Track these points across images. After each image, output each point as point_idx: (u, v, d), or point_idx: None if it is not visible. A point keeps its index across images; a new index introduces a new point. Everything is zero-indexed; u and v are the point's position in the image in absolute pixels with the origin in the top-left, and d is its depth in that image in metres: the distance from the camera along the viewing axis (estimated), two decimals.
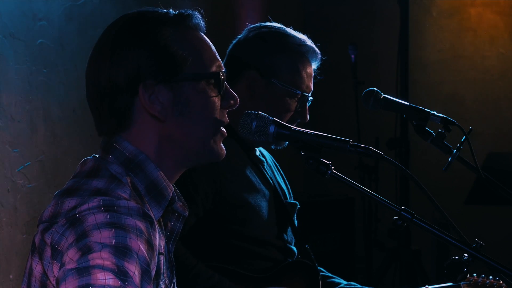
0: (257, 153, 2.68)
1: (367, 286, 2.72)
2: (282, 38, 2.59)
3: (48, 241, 1.50)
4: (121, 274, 1.39)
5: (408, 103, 2.42)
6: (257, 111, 1.81)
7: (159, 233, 1.58)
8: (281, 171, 2.81)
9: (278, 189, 2.67)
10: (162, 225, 1.69)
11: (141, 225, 1.49)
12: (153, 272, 1.49)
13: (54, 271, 1.48)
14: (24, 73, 3.29)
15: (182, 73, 1.63)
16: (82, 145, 3.56)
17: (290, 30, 2.63)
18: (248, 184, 2.56)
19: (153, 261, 1.49)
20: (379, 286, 5.12)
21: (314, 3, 6.14)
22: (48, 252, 1.50)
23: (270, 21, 2.67)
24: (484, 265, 1.74)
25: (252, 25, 2.67)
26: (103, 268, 1.38)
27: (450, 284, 2.57)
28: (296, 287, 2.55)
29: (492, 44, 5.77)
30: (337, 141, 1.77)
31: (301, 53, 2.58)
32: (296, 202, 2.72)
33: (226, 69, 1.73)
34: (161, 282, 1.57)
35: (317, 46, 2.63)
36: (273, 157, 2.84)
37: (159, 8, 1.69)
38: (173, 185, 1.67)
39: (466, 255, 1.77)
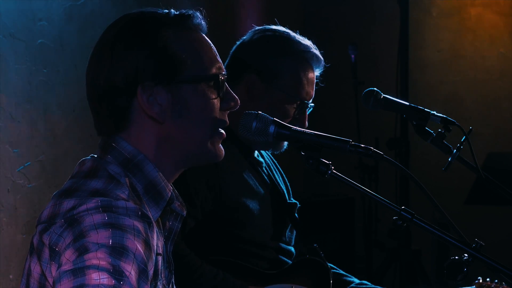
0: (256, 154, 2.67)
1: (377, 286, 2.72)
2: (286, 43, 2.58)
3: (46, 241, 1.50)
4: (117, 273, 1.39)
5: (408, 103, 2.42)
6: (257, 111, 1.80)
7: (157, 233, 1.58)
8: (281, 171, 2.80)
9: (279, 189, 2.67)
10: (161, 225, 1.68)
11: (139, 225, 1.49)
12: (151, 272, 1.49)
13: (52, 272, 1.48)
14: (24, 73, 3.29)
15: (181, 75, 1.62)
16: (82, 145, 3.56)
17: (295, 35, 2.61)
18: (246, 188, 2.56)
19: (151, 261, 1.49)
20: (379, 286, 5.11)
21: (314, 3, 6.14)
22: (46, 253, 1.50)
23: (276, 24, 2.66)
24: (484, 265, 1.74)
25: (257, 27, 2.65)
26: (98, 268, 1.38)
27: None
28: (306, 285, 2.55)
29: (492, 44, 5.76)
30: (337, 141, 1.77)
31: (304, 59, 2.57)
32: (296, 201, 2.72)
33: (228, 70, 1.72)
34: (159, 283, 1.57)
35: (316, 46, 2.63)
36: (273, 157, 2.84)
37: (159, 9, 1.69)
38: (171, 185, 1.67)
39: (466, 255, 1.77)
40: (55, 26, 3.45)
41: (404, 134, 5.06)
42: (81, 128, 3.55)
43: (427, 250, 5.49)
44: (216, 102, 1.67)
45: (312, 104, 2.60)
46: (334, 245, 5.37)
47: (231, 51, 2.64)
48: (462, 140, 2.30)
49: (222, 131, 1.69)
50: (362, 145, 1.76)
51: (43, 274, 1.52)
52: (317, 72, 2.62)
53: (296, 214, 2.71)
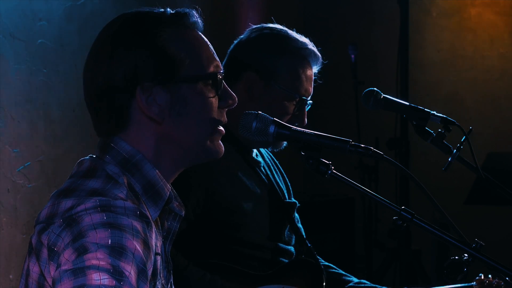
0: (254, 154, 2.67)
1: (375, 285, 2.71)
2: (283, 40, 2.58)
3: (45, 241, 1.50)
4: (117, 274, 1.39)
5: (408, 103, 2.42)
6: (257, 111, 1.80)
7: (155, 233, 1.58)
8: (282, 170, 2.80)
9: (277, 189, 2.66)
10: (159, 225, 1.68)
11: (137, 225, 1.49)
12: (150, 272, 1.49)
13: (51, 272, 1.48)
14: (24, 73, 3.29)
15: (180, 75, 1.62)
16: (82, 145, 3.56)
17: (292, 33, 2.62)
18: (242, 189, 2.55)
19: (150, 261, 1.49)
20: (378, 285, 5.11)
21: (314, 3, 6.14)
22: (44, 253, 1.50)
23: (273, 22, 2.66)
24: (484, 265, 1.74)
25: (254, 26, 2.66)
26: (98, 268, 1.38)
27: (462, 285, 2.54)
28: (298, 285, 2.54)
29: (492, 44, 5.76)
30: (337, 141, 1.77)
31: (302, 56, 2.57)
32: (295, 201, 2.71)
33: (226, 69, 1.72)
34: (157, 282, 1.57)
35: (316, 46, 2.63)
36: (273, 156, 2.83)
37: (156, 8, 1.69)
38: (170, 185, 1.67)
39: (466, 255, 1.77)
40: (55, 26, 3.45)
41: (404, 134, 5.06)
42: (81, 128, 3.55)
43: (427, 250, 5.48)
44: (214, 101, 1.67)
45: (311, 102, 2.60)
46: (334, 245, 5.37)
47: (229, 50, 2.64)
48: (462, 140, 2.30)
49: (221, 127, 1.69)
50: (362, 145, 1.76)
51: (41, 274, 1.52)
52: (315, 69, 2.62)
53: (295, 214, 2.70)
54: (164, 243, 1.69)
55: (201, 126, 1.65)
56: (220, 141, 1.70)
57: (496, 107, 5.77)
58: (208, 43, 1.70)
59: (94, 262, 1.39)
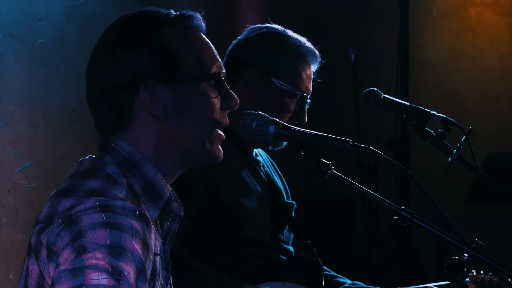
0: (254, 153, 2.68)
1: (369, 286, 2.72)
2: (282, 39, 2.60)
3: (44, 241, 1.50)
4: (116, 273, 1.39)
5: (408, 103, 2.42)
6: (257, 111, 1.81)
7: (155, 233, 1.58)
8: (279, 171, 2.81)
9: (277, 188, 2.67)
10: (159, 225, 1.68)
11: (136, 225, 1.49)
12: (149, 272, 1.49)
13: (50, 272, 1.48)
14: (24, 73, 3.29)
15: (183, 73, 1.63)
16: (82, 145, 3.56)
17: (290, 32, 2.64)
18: (243, 186, 2.56)
19: (149, 261, 1.49)
20: (379, 286, 5.12)
21: (314, 3, 6.14)
22: (44, 253, 1.50)
23: (270, 23, 2.68)
24: (484, 265, 1.74)
25: (252, 26, 2.67)
26: (97, 268, 1.38)
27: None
28: (298, 282, 2.55)
29: (492, 44, 5.76)
30: (337, 141, 1.77)
31: (301, 55, 2.59)
32: (293, 202, 2.72)
33: (225, 69, 1.73)
34: (156, 283, 1.57)
35: (316, 47, 2.63)
36: (272, 157, 2.84)
37: (160, 9, 1.70)
38: (169, 186, 1.67)
39: (466, 255, 1.77)
40: (55, 26, 3.45)
41: (404, 134, 5.06)
42: (81, 128, 3.55)
43: (427, 250, 5.49)
44: (217, 101, 1.67)
45: (309, 100, 2.61)
46: (334, 245, 5.37)
47: (228, 51, 2.65)
48: (462, 140, 2.30)
49: (221, 132, 1.70)
50: (362, 145, 1.76)
51: (41, 274, 1.52)
52: (314, 68, 2.64)
53: (293, 214, 2.71)
54: (163, 244, 1.69)
55: (202, 126, 1.66)
56: (219, 146, 1.70)
57: (496, 107, 5.77)
58: (211, 44, 1.71)
59: (93, 261, 1.39)
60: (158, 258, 1.59)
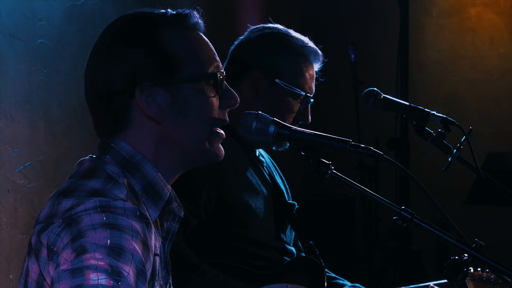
0: (257, 153, 2.68)
1: None
2: (284, 39, 2.60)
3: (44, 241, 1.50)
4: (115, 274, 1.39)
5: (408, 103, 2.42)
6: (257, 111, 1.81)
7: (155, 234, 1.58)
8: (280, 172, 2.81)
9: (279, 189, 2.67)
10: (159, 225, 1.68)
11: (137, 225, 1.49)
12: (149, 273, 1.49)
13: (50, 272, 1.48)
14: (24, 73, 3.29)
15: (180, 75, 1.62)
16: (82, 145, 3.56)
17: (292, 32, 2.63)
18: (248, 186, 2.56)
19: (149, 262, 1.49)
20: (379, 286, 5.12)
21: (314, 3, 6.14)
22: (44, 253, 1.50)
23: (272, 23, 2.67)
24: (484, 265, 1.74)
25: (254, 26, 2.67)
26: (96, 268, 1.38)
27: None
28: (301, 283, 2.54)
29: (492, 44, 5.76)
30: (337, 141, 1.77)
31: (303, 55, 2.59)
32: (294, 202, 2.72)
33: (228, 70, 1.73)
34: (156, 283, 1.56)
35: (317, 46, 2.63)
36: (272, 157, 2.84)
37: (156, 9, 1.69)
38: (170, 186, 1.67)
39: (466, 255, 1.77)
40: (55, 26, 3.45)
41: (404, 134, 5.06)
42: (81, 128, 3.55)
43: (427, 250, 5.49)
44: (216, 101, 1.67)
45: (312, 100, 2.61)
46: (334, 245, 5.37)
47: (230, 51, 2.65)
48: (462, 140, 2.30)
49: (221, 131, 1.69)
50: (362, 145, 1.76)
51: (41, 274, 1.52)
52: (316, 67, 2.64)
53: (293, 216, 2.71)
54: (163, 244, 1.69)
55: (201, 126, 1.65)
56: (220, 145, 1.70)
57: (496, 107, 5.77)
58: (209, 43, 1.70)
59: (93, 262, 1.39)
60: (157, 258, 1.59)
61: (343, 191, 5.54)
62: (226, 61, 2.62)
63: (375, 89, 2.44)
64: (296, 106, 2.57)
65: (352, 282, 2.79)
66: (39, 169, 3.36)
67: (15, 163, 3.24)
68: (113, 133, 1.63)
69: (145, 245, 1.49)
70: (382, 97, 2.43)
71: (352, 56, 5.31)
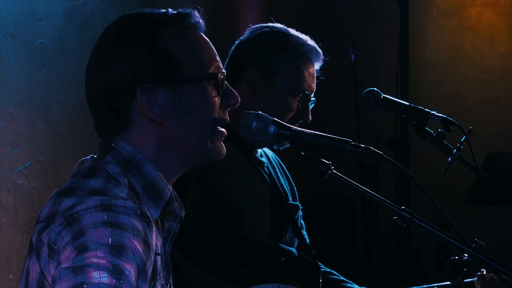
0: (258, 154, 2.67)
1: None
2: (284, 37, 2.60)
3: (45, 240, 1.50)
4: (117, 272, 1.39)
5: (408, 103, 2.42)
6: (257, 111, 1.81)
7: (156, 233, 1.58)
8: (287, 172, 2.80)
9: (280, 189, 2.66)
10: (160, 225, 1.68)
11: (138, 224, 1.49)
12: (150, 272, 1.49)
13: (51, 270, 1.48)
14: (24, 73, 3.29)
15: (181, 75, 1.62)
16: (82, 145, 3.56)
17: (292, 31, 2.63)
18: (243, 187, 2.55)
19: (150, 261, 1.49)
20: (379, 286, 5.12)
21: (314, 3, 6.14)
22: (45, 252, 1.50)
23: (272, 22, 2.67)
24: (484, 265, 1.74)
25: (254, 26, 2.67)
26: (98, 266, 1.38)
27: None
28: (294, 284, 2.54)
29: (492, 44, 5.76)
30: (337, 141, 1.77)
31: (303, 53, 2.58)
32: (298, 204, 2.71)
33: (228, 69, 1.72)
34: (157, 282, 1.57)
35: (317, 46, 2.63)
36: (279, 159, 2.83)
37: (156, 9, 1.69)
38: (170, 186, 1.67)
39: (466, 255, 1.77)
40: (55, 26, 3.45)
41: (404, 134, 5.07)
42: (81, 128, 3.55)
43: (427, 250, 5.49)
44: (217, 100, 1.67)
45: (314, 99, 2.61)
46: (334, 245, 5.37)
47: (230, 51, 2.65)
48: (462, 140, 2.30)
49: (223, 129, 1.69)
50: (362, 145, 1.76)
51: (42, 273, 1.52)
52: (317, 66, 2.63)
53: (301, 221, 2.70)
54: (164, 244, 1.69)
55: (202, 126, 1.65)
56: (222, 143, 1.70)
57: (496, 107, 5.77)
58: (210, 43, 1.70)
59: (94, 260, 1.39)
60: (159, 258, 1.59)
61: (343, 191, 5.54)
62: (226, 62, 2.62)
63: (375, 89, 2.45)
64: (294, 104, 2.56)
65: (352, 282, 2.78)
66: (39, 169, 3.36)
67: (15, 163, 3.24)
68: (114, 133, 1.64)
69: (146, 244, 1.49)
70: (382, 97, 2.44)
71: (352, 56, 5.32)
